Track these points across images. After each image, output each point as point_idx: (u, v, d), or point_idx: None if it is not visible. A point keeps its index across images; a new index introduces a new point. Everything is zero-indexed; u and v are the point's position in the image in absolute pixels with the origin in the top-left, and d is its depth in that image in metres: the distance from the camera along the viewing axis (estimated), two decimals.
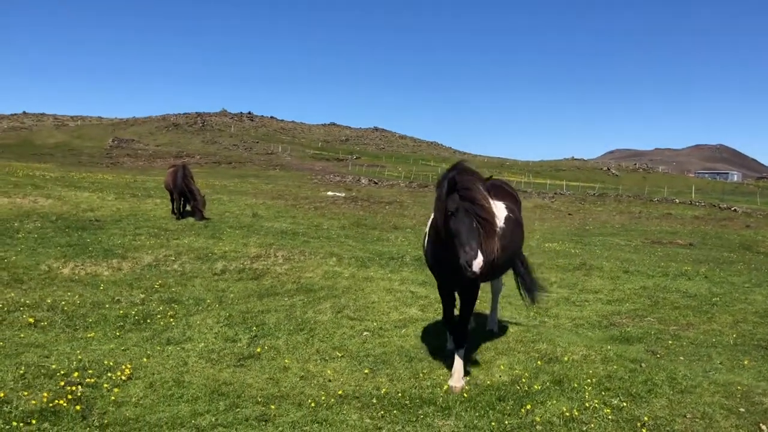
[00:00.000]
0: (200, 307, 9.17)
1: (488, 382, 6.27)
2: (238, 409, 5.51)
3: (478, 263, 4.96)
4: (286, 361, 6.83)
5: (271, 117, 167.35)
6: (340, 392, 5.94)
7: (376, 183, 53.02)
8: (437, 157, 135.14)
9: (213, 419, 5.30)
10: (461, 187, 5.26)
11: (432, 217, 6.09)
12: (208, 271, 11.77)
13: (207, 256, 12.90)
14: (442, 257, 5.88)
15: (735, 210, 40.91)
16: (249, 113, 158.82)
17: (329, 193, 36.10)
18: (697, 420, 5.41)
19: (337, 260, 13.33)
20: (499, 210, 6.50)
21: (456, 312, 6.72)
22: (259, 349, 7.15)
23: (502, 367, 6.69)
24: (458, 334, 6.36)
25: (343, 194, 35.60)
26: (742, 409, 5.64)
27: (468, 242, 5.05)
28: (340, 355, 7.11)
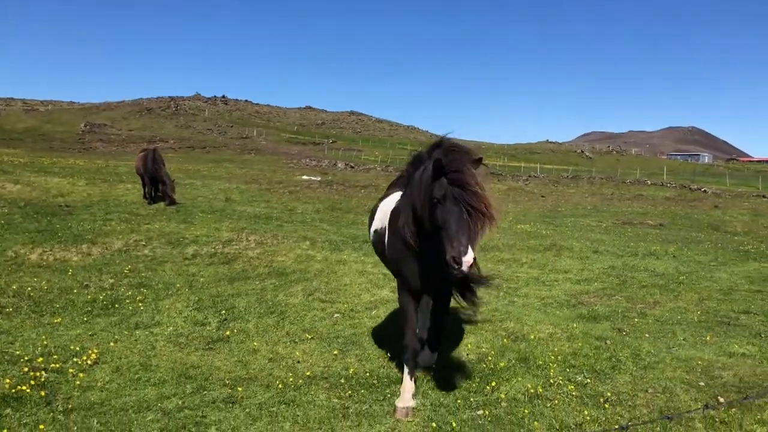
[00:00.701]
0: (170, 292, 9.12)
1: (455, 361, 6.33)
2: (206, 392, 5.52)
3: (468, 260, 4.17)
4: (255, 343, 6.84)
5: (246, 101, 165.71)
6: (308, 373, 5.97)
7: (353, 167, 52.89)
8: (414, 141, 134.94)
9: (180, 402, 5.30)
10: (450, 169, 4.35)
11: (391, 201, 5.46)
12: (178, 256, 11.69)
13: (178, 241, 12.81)
14: (419, 251, 4.86)
15: (705, 191, 41.53)
16: (223, 97, 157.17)
17: (304, 177, 35.94)
18: (658, 394, 5.52)
19: (311, 244, 13.32)
20: None
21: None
22: (228, 333, 7.15)
23: (469, 345, 6.77)
24: (432, 344, 5.64)
25: (319, 178, 35.48)
26: (702, 383, 5.77)
27: (457, 235, 4.22)
28: (309, 337, 7.13)
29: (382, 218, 5.63)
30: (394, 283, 9.75)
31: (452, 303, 5.94)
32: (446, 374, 5.95)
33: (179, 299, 8.65)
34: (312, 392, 5.55)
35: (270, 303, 8.57)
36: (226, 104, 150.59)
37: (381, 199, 6.06)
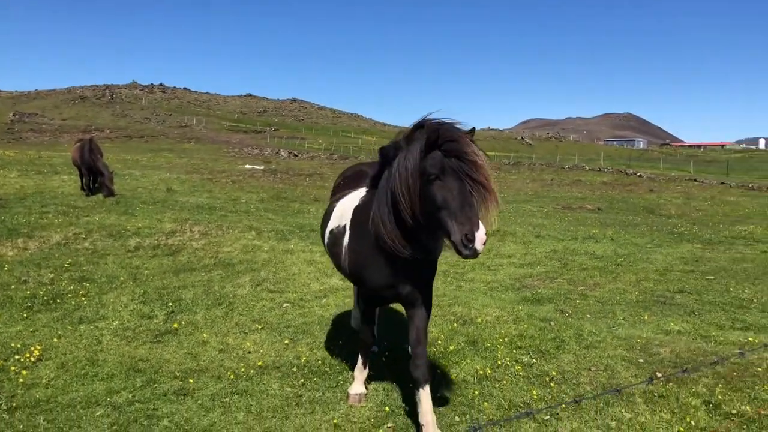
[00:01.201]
0: (114, 285, 8.92)
1: (405, 345, 6.43)
2: (156, 385, 5.45)
3: (481, 236, 3.57)
4: (204, 335, 6.78)
5: (185, 88, 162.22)
6: (260, 363, 5.96)
7: (296, 155, 52.50)
8: (358, 128, 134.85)
9: (130, 396, 5.23)
10: (445, 138, 3.75)
11: (352, 199, 4.90)
12: (121, 249, 11.42)
13: (119, 233, 12.50)
14: (391, 251, 4.19)
15: (640, 175, 42.95)
16: (161, 85, 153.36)
17: (247, 166, 35.50)
18: (600, 372, 5.76)
19: (257, 234, 13.22)
20: None
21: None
22: (176, 325, 7.06)
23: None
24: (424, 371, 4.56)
25: (262, 167, 35.10)
26: (641, 360, 6.04)
27: (464, 210, 3.61)
28: (259, 327, 7.11)
29: (340, 217, 4.98)
30: None
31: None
32: (398, 360, 6.04)
33: (124, 292, 8.48)
34: (264, 382, 5.55)
35: (218, 294, 8.49)
36: (164, 92, 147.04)
37: (337, 199, 5.36)
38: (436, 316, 7.40)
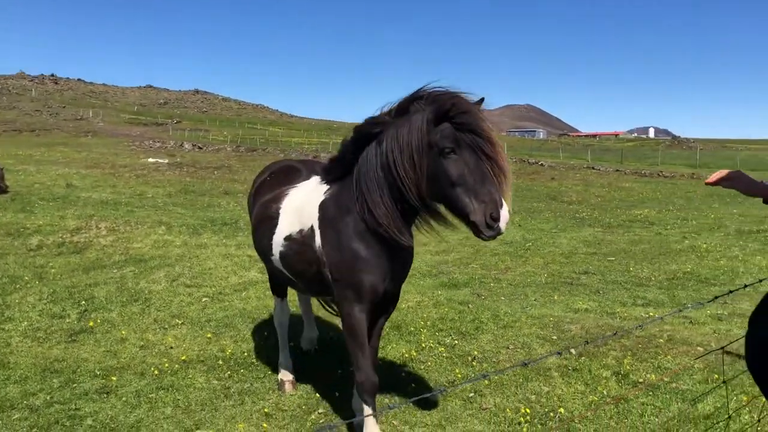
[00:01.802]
0: (18, 286, 8.48)
1: (331, 334, 6.51)
2: (76, 385, 5.27)
3: (506, 216, 3.23)
4: (122, 332, 6.59)
5: (79, 79, 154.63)
6: (183, 358, 5.87)
7: (201, 148, 51.15)
8: (264, 120, 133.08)
9: (48, 397, 5.03)
10: (460, 110, 3.31)
11: (310, 194, 4.22)
12: (21, 248, 10.85)
13: (19, 232, 11.87)
14: (386, 242, 3.73)
15: (542, 164, 44.70)
16: (52, 75, 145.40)
17: (151, 159, 34.31)
18: (518, 350, 6.05)
19: (167, 228, 12.90)
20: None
21: None
22: (91, 323, 6.82)
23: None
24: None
25: (166, 160, 34.03)
26: (554, 337, 6.39)
27: (484, 187, 3.22)
28: (180, 322, 6.99)
29: (298, 219, 4.19)
30: (261, 264, 9.77)
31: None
32: (326, 348, 6.12)
33: (30, 292, 8.08)
34: (190, 376, 5.48)
35: (132, 291, 8.25)
36: (56, 83, 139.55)
37: (275, 200, 4.59)
38: None
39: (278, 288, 5.47)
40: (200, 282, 8.83)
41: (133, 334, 6.60)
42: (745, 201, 19.92)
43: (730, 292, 3.92)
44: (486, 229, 3.24)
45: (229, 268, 9.71)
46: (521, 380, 5.27)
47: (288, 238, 4.27)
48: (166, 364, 5.70)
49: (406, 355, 5.83)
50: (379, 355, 5.85)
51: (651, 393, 4.99)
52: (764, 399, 4.31)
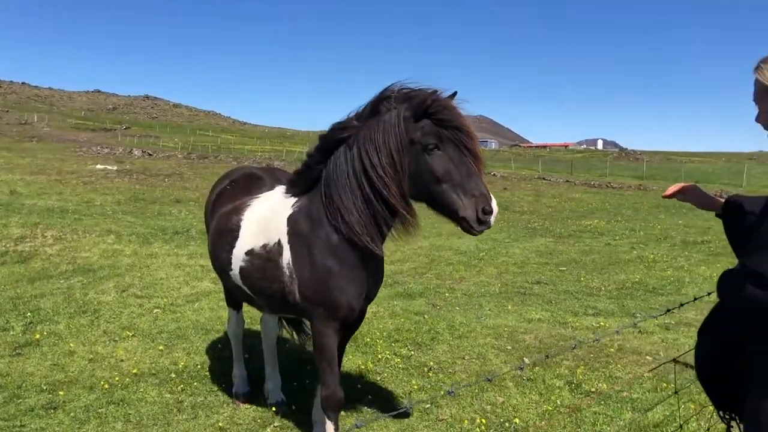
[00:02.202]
0: None
1: (286, 346, 6.44)
2: (21, 400, 5.08)
3: (496, 207, 3.25)
4: (70, 345, 6.40)
5: (23, 83, 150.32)
6: (135, 371, 5.73)
7: (151, 155, 50.17)
8: (216, 126, 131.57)
9: None
10: (439, 106, 3.26)
11: (276, 207, 3.96)
12: None
13: None
14: (361, 252, 3.59)
15: (494, 174, 45.26)
16: None
17: (99, 166, 33.46)
18: (473, 360, 6.10)
19: (116, 237, 12.59)
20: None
21: None
22: (37, 336, 6.59)
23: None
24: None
25: (115, 167, 33.24)
26: (509, 347, 6.47)
27: (472, 183, 3.21)
28: (130, 334, 6.82)
29: (264, 232, 3.94)
30: (214, 275, 9.61)
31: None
32: (283, 361, 6.05)
33: None
34: (141, 390, 5.34)
35: (80, 302, 8.01)
36: None
37: (236, 211, 4.31)
38: None
39: (234, 300, 5.25)
40: (151, 293, 8.64)
41: (82, 346, 6.41)
42: (690, 212, 20.59)
43: (682, 305, 4.05)
44: (477, 224, 3.20)
45: (181, 278, 9.54)
46: (477, 391, 5.31)
47: (250, 253, 4.00)
48: (117, 378, 5.55)
49: (363, 367, 5.81)
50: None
51: (603, 402, 5.09)
52: (712, 407, 4.45)
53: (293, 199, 3.88)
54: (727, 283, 2.10)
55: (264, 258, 3.90)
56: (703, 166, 79.46)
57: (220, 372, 5.77)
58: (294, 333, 5.47)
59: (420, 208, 3.55)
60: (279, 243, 3.82)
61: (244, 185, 4.63)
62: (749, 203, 2.46)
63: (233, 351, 5.37)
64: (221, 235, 4.32)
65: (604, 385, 5.44)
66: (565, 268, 11.23)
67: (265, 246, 3.91)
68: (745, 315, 2.01)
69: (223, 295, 8.28)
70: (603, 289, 9.64)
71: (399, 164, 3.32)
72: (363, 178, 3.43)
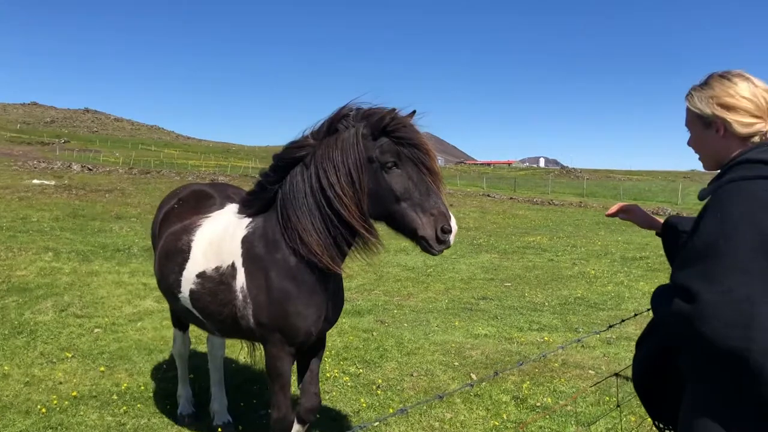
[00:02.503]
0: None
1: (233, 365, 6.35)
2: None
3: (455, 226, 3.15)
4: (5, 368, 6.14)
5: None
6: (74, 394, 5.54)
7: (91, 169, 48.81)
8: (159, 141, 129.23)
9: None
10: (398, 124, 3.20)
11: (229, 227, 3.81)
12: None
13: None
14: (319, 274, 3.47)
15: None
16: None
17: (35, 181, 32.37)
18: (422, 377, 6.13)
19: (54, 255, 12.21)
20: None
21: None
22: None
23: (246, 349, 6.81)
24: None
25: (53, 182, 32.21)
26: (456, 363, 6.53)
27: (431, 201, 3.14)
28: (69, 355, 6.59)
29: (216, 254, 3.78)
30: (157, 293, 9.43)
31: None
32: (229, 380, 5.95)
33: None
34: (81, 413, 5.17)
35: (15, 322, 7.71)
36: None
37: (186, 231, 4.14)
38: None
39: (180, 321, 5.07)
40: (92, 312, 8.39)
41: (17, 369, 6.16)
42: (629, 229, 21.22)
43: (622, 321, 4.16)
44: (436, 243, 3.12)
45: (123, 297, 9.29)
46: (425, 408, 5.33)
47: (201, 276, 3.82)
48: (55, 401, 5.36)
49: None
50: None
51: (548, 417, 5.19)
52: (651, 421, 4.60)
53: (247, 220, 3.72)
54: (658, 296, 2.19)
55: (216, 281, 3.74)
56: (641, 183, 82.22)
57: (164, 393, 5.64)
58: (252, 348, 5.17)
59: (379, 227, 3.53)
60: (233, 265, 3.66)
61: (193, 203, 4.46)
62: (684, 223, 2.58)
63: (178, 371, 5.27)
64: (170, 256, 4.13)
65: (549, 400, 5.54)
66: (510, 284, 11.42)
67: (217, 269, 3.74)
68: (673, 328, 2.10)
69: (167, 315, 8.13)
70: (546, 304, 9.84)
71: (358, 183, 3.23)
72: (321, 197, 3.33)
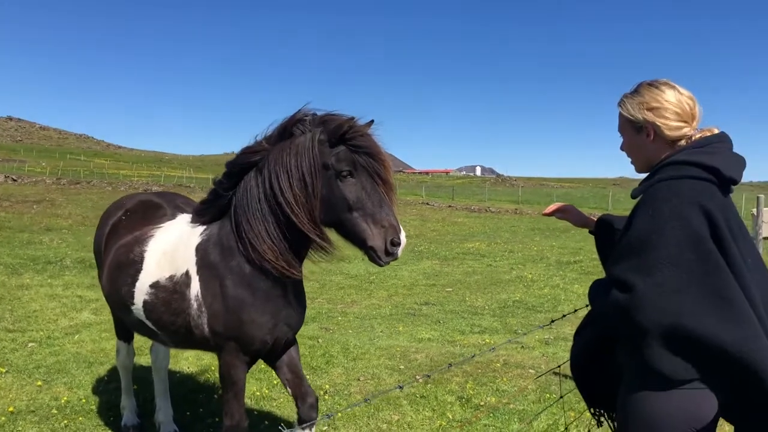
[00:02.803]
0: None
1: (178, 375, 6.27)
2: None
3: (404, 239, 3.17)
4: None
5: None
6: (10, 409, 5.36)
7: (15, 180, 46.88)
8: (88, 150, 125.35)
9: None
10: (355, 132, 3.18)
11: (182, 236, 3.73)
12: None
13: None
14: (292, 257, 3.42)
15: None
16: None
17: None
18: (368, 381, 6.21)
19: None
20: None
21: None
22: None
23: (190, 359, 6.75)
24: None
25: None
26: (402, 367, 6.63)
27: (383, 213, 3.14)
28: (3, 370, 6.36)
29: (169, 263, 3.70)
30: (94, 305, 9.23)
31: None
32: (174, 390, 5.87)
33: None
34: (20, 428, 5.00)
35: None
36: None
37: (137, 242, 4.02)
38: None
39: (125, 332, 4.88)
40: (25, 326, 8.12)
41: None
42: (562, 234, 21.90)
43: (552, 321, 4.34)
44: (384, 255, 3.11)
45: (58, 309, 9.03)
46: (372, 410, 5.40)
47: (155, 286, 3.72)
48: None
49: (258, 393, 5.76)
50: None
51: (492, 415, 5.33)
52: (589, 414, 4.81)
53: (201, 228, 3.66)
54: (595, 290, 2.35)
55: (169, 290, 3.65)
56: (573, 190, 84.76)
57: (106, 405, 5.52)
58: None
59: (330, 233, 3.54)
60: (187, 274, 3.57)
61: (141, 214, 4.33)
62: (618, 221, 2.76)
63: (122, 382, 5.12)
64: (121, 268, 3.99)
65: (493, 399, 5.70)
66: (450, 289, 11.63)
67: (171, 277, 3.65)
68: (610, 318, 2.26)
69: (106, 327, 7.98)
70: (487, 308, 10.08)
71: (311, 188, 3.19)
72: (274, 202, 3.29)
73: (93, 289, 10.51)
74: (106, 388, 5.91)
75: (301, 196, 3.21)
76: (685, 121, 2.31)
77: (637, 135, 2.42)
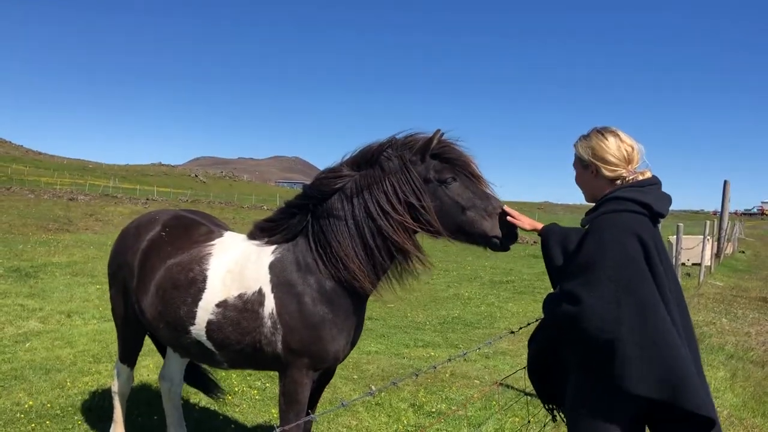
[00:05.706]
0: None
1: (137, 381, 6.42)
2: None
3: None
4: None
5: None
6: None
7: None
8: (6, 156, 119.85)
9: None
10: (441, 145, 3.42)
11: (249, 255, 3.74)
12: None
13: None
14: (353, 291, 3.53)
15: None
16: None
17: None
18: (326, 390, 6.51)
19: None
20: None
21: None
22: None
23: (151, 366, 6.90)
24: None
25: None
26: (355, 376, 6.99)
27: (489, 204, 3.33)
28: None
29: (242, 280, 3.67)
30: (40, 314, 9.20)
31: None
32: (135, 395, 6.04)
33: None
34: None
35: None
36: None
37: (196, 261, 3.92)
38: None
39: (132, 356, 4.71)
40: None
41: None
42: (493, 255, 22.71)
43: (500, 337, 4.81)
44: (508, 240, 3.32)
45: (3, 318, 8.93)
46: (332, 416, 5.74)
47: (222, 305, 3.67)
48: None
49: (221, 399, 5.99)
50: (193, 400, 5.98)
51: (443, 420, 5.76)
52: (531, 419, 5.32)
53: (272, 247, 3.72)
54: (549, 301, 2.83)
55: (239, 309, 3.63)
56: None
57: (73, 409, 5.64)
58: (204, 390, 5.18)
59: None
60: (260, 292, 3.58)
61: (184, 231, 4.27)
62: (562, 231, 3.20)
63: (114, 412, 4.80)
64: (180, 288, 3.87)
65: (443, 406, 6.14)
66: (392, 305, 12.04)
67: (241, 296, 3.63)
68: (560, 326, 2.76)
69: (56, 336, 8.02)
70: (428, 323, 10.56)
71: (420, 204, 3.37)
72: (365, 226, 3.46)
73: (33, 298, 10.42)
74: (68, 394, 6.02)
75: (407, 216, 3.41)
76: (622, 165, 2.84)
77: (584, 171, 2.96)
